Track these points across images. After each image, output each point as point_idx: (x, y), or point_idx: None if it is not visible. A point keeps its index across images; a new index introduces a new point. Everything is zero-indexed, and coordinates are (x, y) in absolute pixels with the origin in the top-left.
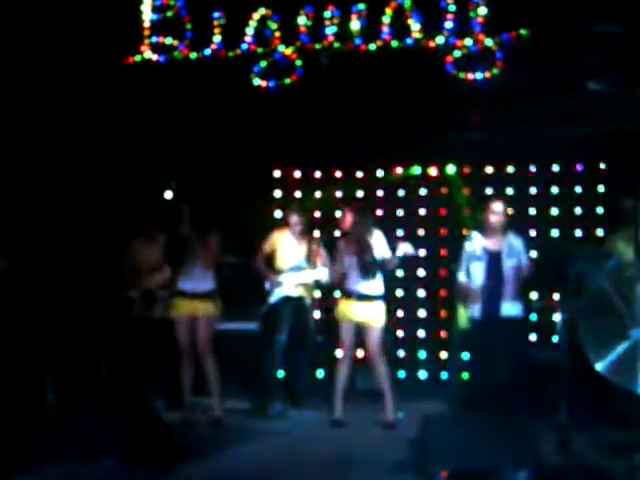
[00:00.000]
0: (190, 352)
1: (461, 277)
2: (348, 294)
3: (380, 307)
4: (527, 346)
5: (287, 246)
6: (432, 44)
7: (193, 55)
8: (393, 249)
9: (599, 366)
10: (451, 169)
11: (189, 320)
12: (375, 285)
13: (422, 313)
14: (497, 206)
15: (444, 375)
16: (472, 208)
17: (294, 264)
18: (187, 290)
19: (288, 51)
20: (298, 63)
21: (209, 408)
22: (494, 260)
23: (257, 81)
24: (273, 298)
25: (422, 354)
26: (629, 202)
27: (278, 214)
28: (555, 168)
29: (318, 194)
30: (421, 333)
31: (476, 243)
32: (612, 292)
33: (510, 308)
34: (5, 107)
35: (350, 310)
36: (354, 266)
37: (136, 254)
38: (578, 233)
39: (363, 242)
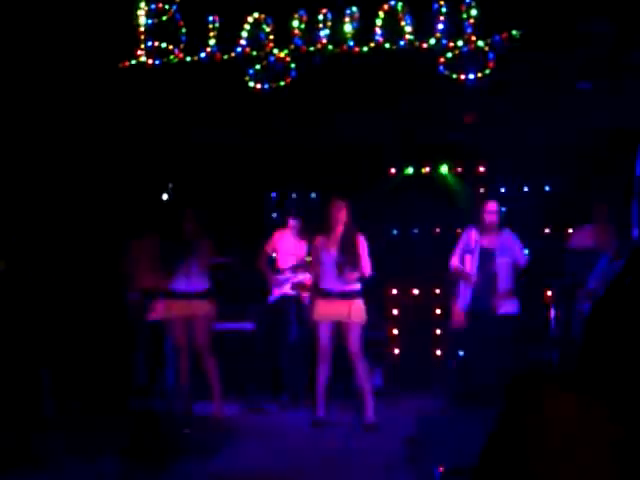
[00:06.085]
0: (187, 352)
1: (454, 261)
2: (325, 292)
3: (359, 304)
4: (520, 344)
5: (287, 246)
6: (425, 45)
7: (188, 59)
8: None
9: None
10: (444, 169)
11: (185, 320)
12: (353, 282)
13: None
14: (491, 206)
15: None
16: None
17: (293, 264)
18: (183, 290)
19: (282, 54)
20: (292, 66)
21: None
22: (486, 258)
23: (252, 84)
24: (272, 297)
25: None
26: (601, 207)
27: (275, 215)
28: (546, 166)
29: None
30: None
31: (472, 237)
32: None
33: (504, 305)
34: (2, 110)
35: (328, 309)
36: (332, 263)
37: (132, 255)
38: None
39: (349, 240)
